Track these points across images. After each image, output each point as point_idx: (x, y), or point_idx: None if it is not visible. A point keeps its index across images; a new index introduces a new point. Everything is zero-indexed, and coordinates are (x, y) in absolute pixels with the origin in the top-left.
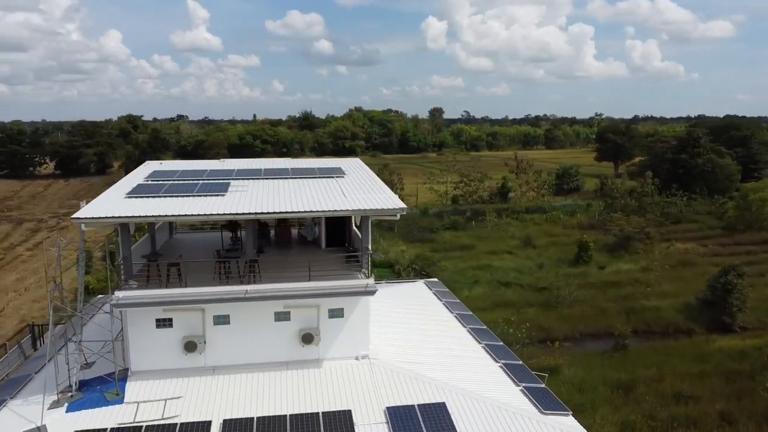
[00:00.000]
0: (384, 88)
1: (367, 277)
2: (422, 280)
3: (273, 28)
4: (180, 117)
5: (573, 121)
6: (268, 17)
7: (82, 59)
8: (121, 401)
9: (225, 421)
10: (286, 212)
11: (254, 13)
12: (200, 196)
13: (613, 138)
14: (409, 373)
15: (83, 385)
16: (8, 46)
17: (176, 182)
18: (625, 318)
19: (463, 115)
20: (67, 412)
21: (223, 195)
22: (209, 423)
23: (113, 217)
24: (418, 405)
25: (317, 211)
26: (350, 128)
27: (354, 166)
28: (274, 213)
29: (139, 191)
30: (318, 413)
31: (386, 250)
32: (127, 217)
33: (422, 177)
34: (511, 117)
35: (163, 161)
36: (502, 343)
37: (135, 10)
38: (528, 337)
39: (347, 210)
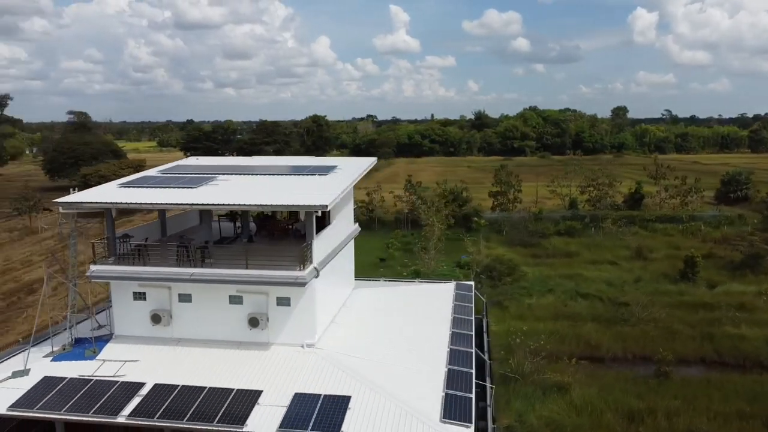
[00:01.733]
0: (583, 86)
1: (302, 270)
2: (455, 282)
3: (470, 28)
4: (369, 117)
5: None
6: (465, 17)
7: (295, 64)
8: (93, 358)
9: (155, 384)
10: (216, 204)
11: (452, 14)
12: (173, 188)
13: None
14: (343, 367)
15: (78, 342)
16: (237, 54)
17: (170, 175)
18: (697, 344)
19: (663, 115)
20: (51, 361)
21: (193, 188)
22: (143, 384)
23: (80, 202)
24: (324, 395)
25: (243, 205)
26: (520, 128)
27: (352, 165)
28: (207, 205)
29: (134, 183)
30: (233, 389)
31: (479, 252)
32: (91, 203)
33: (548, 179)
34: (727, 116)
35: (200, 157)
36: (471, 351)
37: (342, 17)
38: (544, 350)
39: (264, 204)
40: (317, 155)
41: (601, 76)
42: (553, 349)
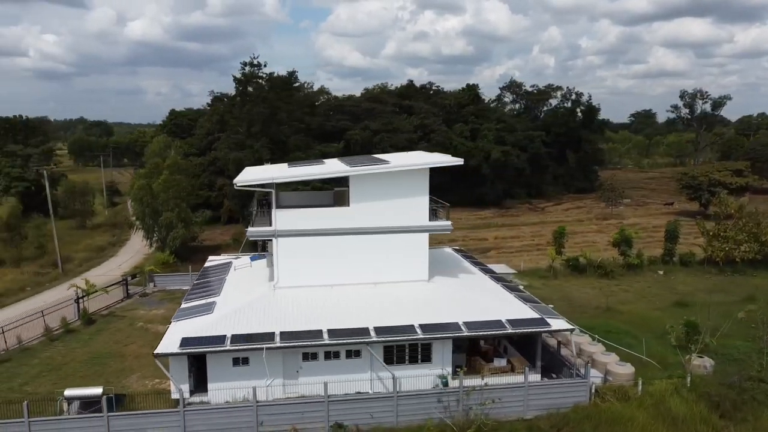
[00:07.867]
0: None
1: (252, 227)
2: (541, 316)
3: None
4: None
5: None
6: None
7: None
8: (248, 261)
9: (217, 278)
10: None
11: None
12: (291, 167)
13: None
14: (259, 304)
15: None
16: None
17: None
18: None
19: None
20: (246, 256)
21: (297, 167)
22: (221, 278)
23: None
24: (216, 304)
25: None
26: None
27: (401, 162)
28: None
29: (291, 164)
30: (217, 289)
31: None
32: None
33: None
34: None
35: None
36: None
37: None
38: None
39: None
40: None
41: None
42: None
